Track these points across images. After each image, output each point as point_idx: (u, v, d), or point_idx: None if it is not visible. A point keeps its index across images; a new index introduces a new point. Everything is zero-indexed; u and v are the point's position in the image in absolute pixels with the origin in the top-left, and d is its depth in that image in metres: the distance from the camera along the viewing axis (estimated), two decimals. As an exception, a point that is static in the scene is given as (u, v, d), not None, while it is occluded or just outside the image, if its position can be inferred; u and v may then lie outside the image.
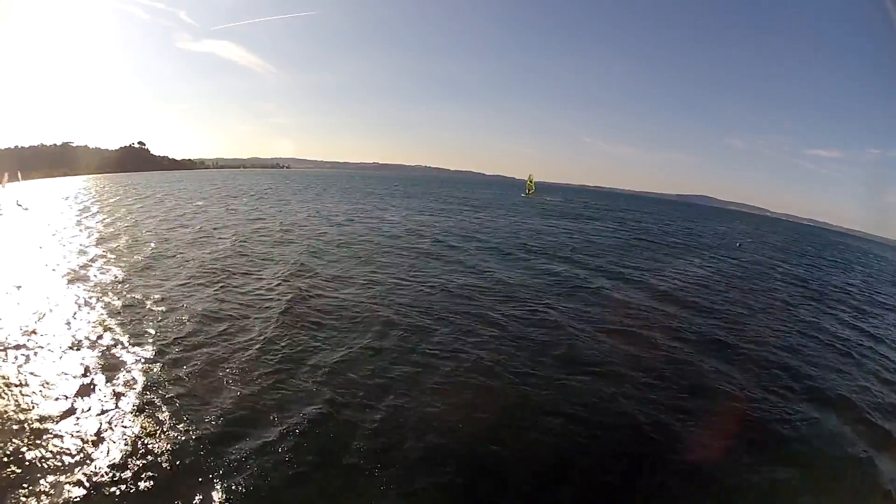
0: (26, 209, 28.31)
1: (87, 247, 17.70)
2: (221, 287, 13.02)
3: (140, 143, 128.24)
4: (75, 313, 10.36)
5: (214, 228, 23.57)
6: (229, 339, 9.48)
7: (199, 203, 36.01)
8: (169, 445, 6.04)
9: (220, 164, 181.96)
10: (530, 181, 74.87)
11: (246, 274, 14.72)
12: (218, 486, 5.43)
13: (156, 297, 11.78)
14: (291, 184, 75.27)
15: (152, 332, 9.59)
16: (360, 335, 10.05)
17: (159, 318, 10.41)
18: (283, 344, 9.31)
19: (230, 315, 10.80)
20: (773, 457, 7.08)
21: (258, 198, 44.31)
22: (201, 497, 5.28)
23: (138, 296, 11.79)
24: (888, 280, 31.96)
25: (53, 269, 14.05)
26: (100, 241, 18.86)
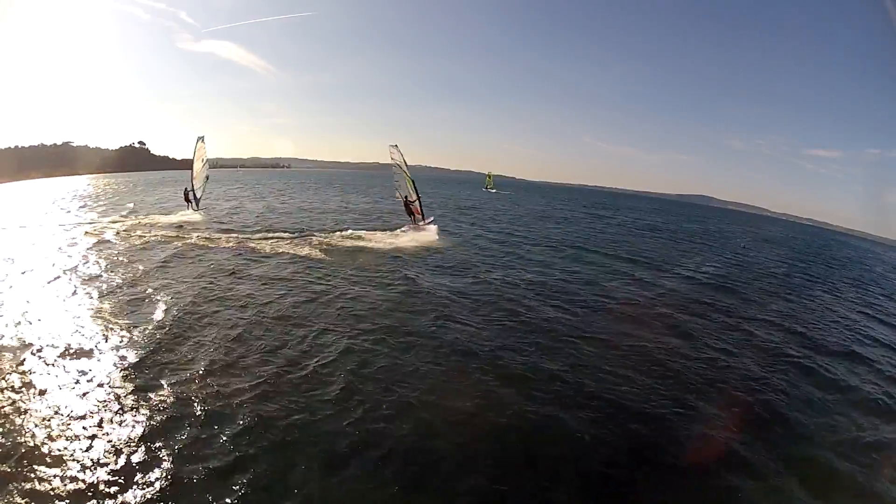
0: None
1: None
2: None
3: (140, 142, 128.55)
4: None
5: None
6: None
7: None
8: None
9: (219, 164, 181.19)
10: (489, 178, 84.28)
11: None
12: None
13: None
14: (307, 183, 77.31)
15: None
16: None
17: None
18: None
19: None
20: (776, 450, 7.09)
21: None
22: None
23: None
24: (888, 276, 32.09)
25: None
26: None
